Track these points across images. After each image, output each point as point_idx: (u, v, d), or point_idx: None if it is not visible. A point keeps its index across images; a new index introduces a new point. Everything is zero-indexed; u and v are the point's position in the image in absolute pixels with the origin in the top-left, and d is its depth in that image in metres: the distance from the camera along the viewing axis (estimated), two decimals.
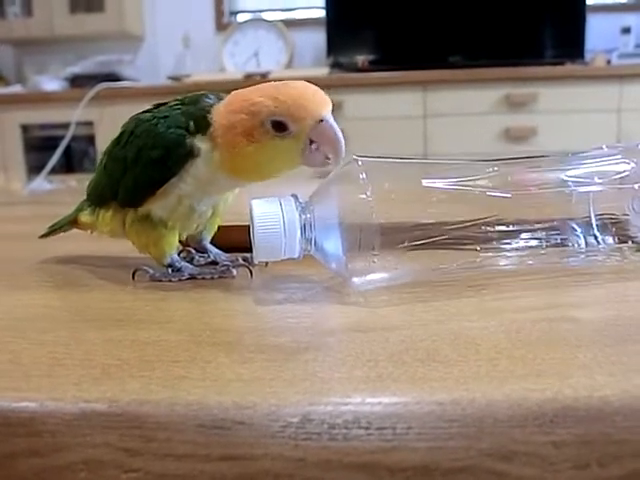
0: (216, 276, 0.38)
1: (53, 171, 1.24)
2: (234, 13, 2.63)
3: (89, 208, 0.42)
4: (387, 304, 0.33)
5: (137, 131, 0.37)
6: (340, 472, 0.21)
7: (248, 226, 0.35)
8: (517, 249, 0.34)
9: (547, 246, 0.35)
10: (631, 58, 2.14)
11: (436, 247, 0.33)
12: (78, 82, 2.30)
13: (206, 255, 0.41)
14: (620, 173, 0.36)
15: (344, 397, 0.22)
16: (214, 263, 0.41)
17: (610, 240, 0.35)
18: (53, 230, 0.46)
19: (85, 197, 0.43)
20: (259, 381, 0.23)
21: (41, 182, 1.15)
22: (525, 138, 2.14)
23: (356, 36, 2.32)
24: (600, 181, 0.36)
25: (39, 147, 2.25)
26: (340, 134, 0.34)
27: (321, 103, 0.34)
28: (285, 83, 0.34)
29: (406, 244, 0.32)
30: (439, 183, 0.34)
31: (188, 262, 0.40)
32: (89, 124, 2.16)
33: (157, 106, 0.38)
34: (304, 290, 0.36)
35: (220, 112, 0.35)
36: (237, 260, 0.40)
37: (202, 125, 0.35)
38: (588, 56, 2.20)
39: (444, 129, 2.16)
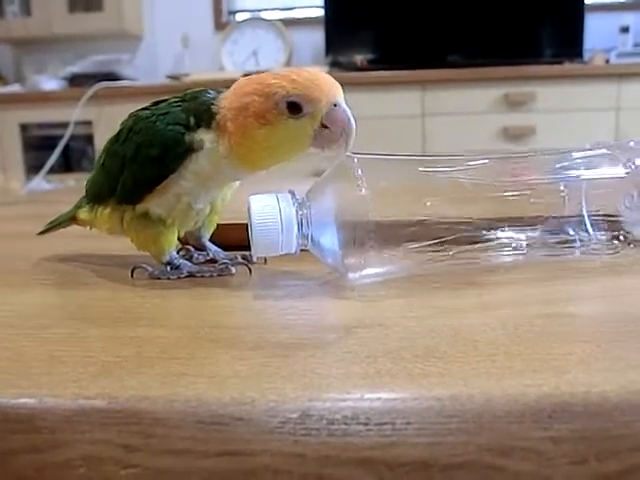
0: (215, 274, 0.38)
1: (52, 170, 1.24)
2: (233, 12, 2.63)
3: (87, 205, 0.42)
4: (385, 300, 0.33)
5: (136, 128, 0.37)
6: (339, 468, 0.21)
7: (246, 224, 0.35)
8: (512, 245, 0.35)
9: (542, 242, 0.35)
10: (630, 57, 2.14)
11: (431, 243, 0.33)
12: (77, 81, 2.29)
13: (205, 253, 0.41)
14: (613, 170, 0.37)
15: (343, 393, 0.22)
16: (213, 261, 0.41)
17: (603, 236, 0.36)
18: (51, 227, 0.46)
19: (84, 194, 0.43)
20: (258, 377, 0.23)
21: (40, 181, 1.15)
22: (524, 137, 2.14)
23: (355, 35, 2.32)
24: (593, 178, 0.36)
25: (38, 146, 2.25)
26: (353, 119, 0.34)
27: (335, 87, 0.34)
28: (298, 68, 0.35)
29: (402, 240, 0.33)
30: (434, 179, 0.34)
31: (187, 260, 0.40)
32: (88, 123, 2.16)
33: (156, 103, 0.38)
34: (302, 287, 0.37)
35: (228, 98, 0.35)
36: (236, 258, 0.40)
37: (205, 117, 0.36)
38: (587, 55, 2.20)
39: (443, 128, 2.16)
